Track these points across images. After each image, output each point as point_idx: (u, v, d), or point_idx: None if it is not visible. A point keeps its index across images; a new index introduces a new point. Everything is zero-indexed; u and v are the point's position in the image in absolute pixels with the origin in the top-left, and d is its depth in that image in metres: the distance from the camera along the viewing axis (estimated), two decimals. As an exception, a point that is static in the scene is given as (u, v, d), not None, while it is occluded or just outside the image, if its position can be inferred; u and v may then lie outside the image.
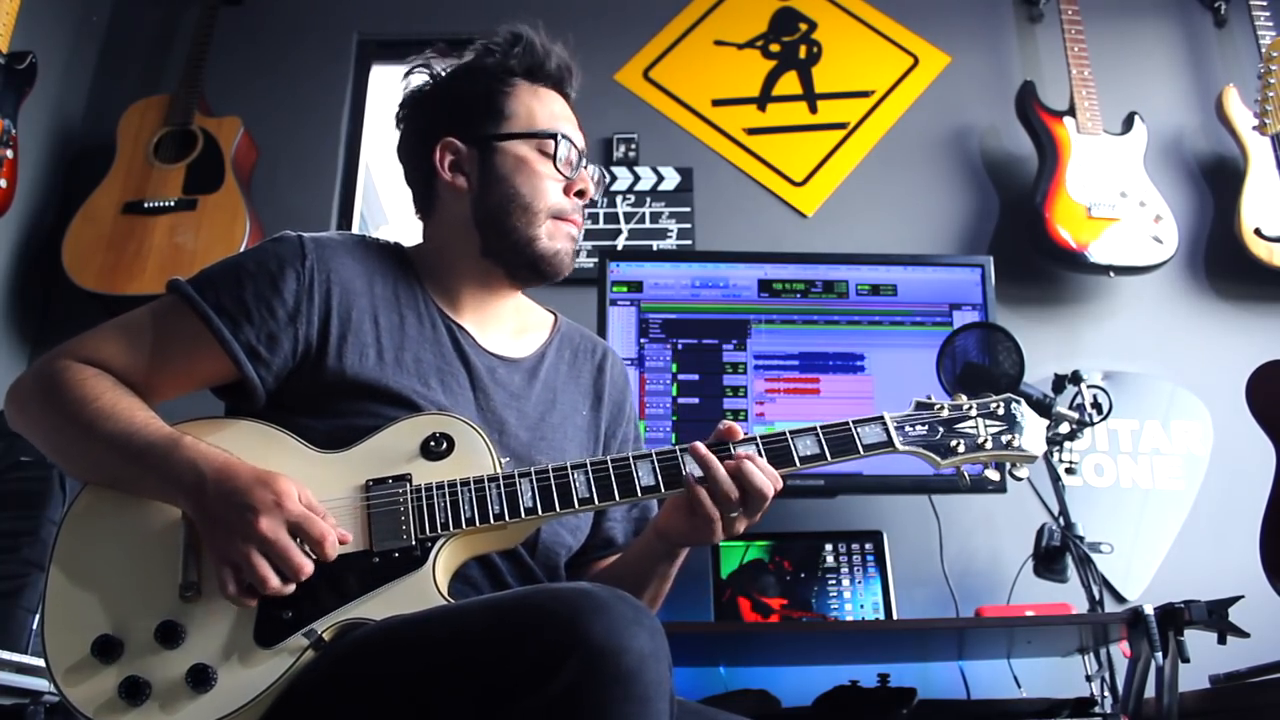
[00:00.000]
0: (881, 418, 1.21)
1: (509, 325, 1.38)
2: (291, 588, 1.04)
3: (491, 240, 1.31)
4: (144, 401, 1.16)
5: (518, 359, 1.35)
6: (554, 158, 1.30)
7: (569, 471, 1.14)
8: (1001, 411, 1.25)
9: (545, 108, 1.33)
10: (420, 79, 1.36)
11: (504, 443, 1.22)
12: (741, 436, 1.18)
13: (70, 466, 1.19)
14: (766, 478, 1.14)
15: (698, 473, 1.14)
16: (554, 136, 1.30)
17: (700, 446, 1.15)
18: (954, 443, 1.21)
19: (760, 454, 1.16)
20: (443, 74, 1.36)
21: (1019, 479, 1.27)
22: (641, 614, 0.89)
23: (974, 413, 1.24)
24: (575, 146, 1.32)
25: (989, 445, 1.22)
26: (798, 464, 1.17)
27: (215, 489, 1.05)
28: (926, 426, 1.22)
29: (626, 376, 1.49)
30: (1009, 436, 1.23)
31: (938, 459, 1.21)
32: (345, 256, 1.26)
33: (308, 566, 1.04)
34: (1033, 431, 1.25)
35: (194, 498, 1.06)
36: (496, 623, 0.92)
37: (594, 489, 1.14)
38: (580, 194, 1.33)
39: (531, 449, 1.27)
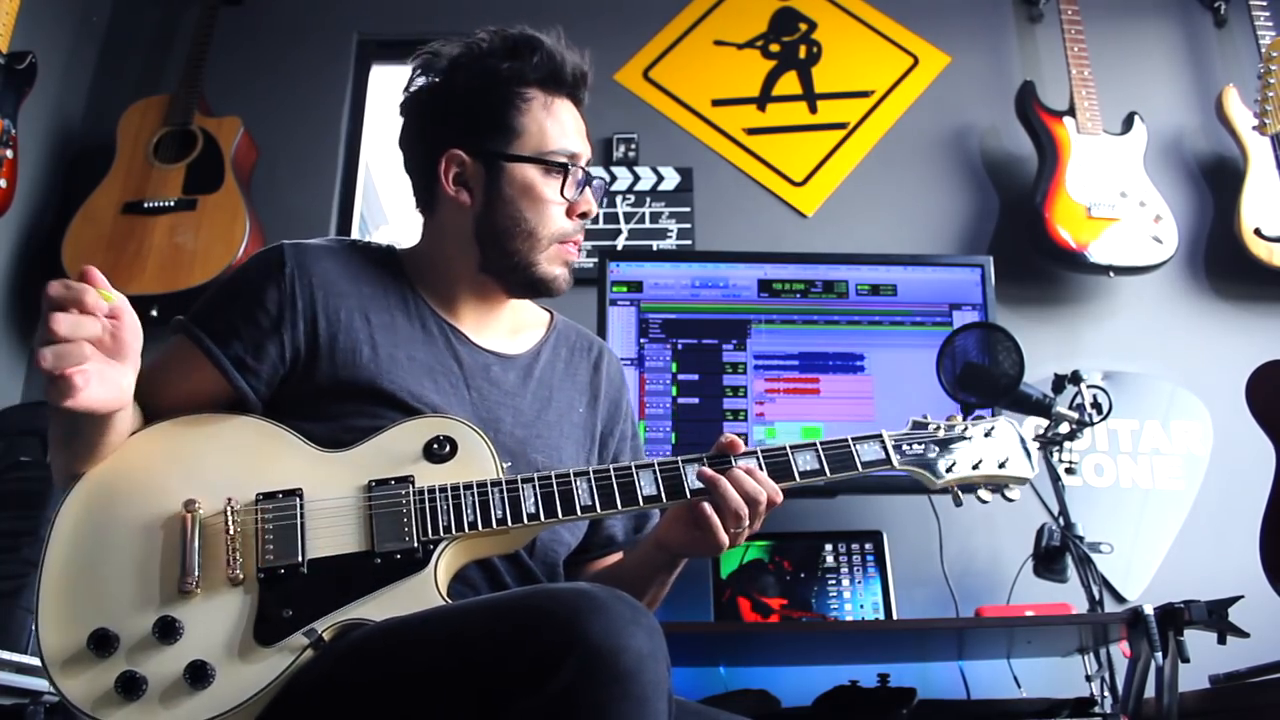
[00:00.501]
0: (880, 435, 1.24)
1: (504, 324, 1.38)
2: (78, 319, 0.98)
3: (491, 258, 1.30)
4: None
5: (513, 356, 1.35)
6: (562, 182, 1.29)
7: (571, 478, 1.15)
8: (996, 434, 1.28)
9: (557, 124, 1.29)
10: (430, 73, 1.32)
11: (499, 440, 1.22)
12: (743, 449, 1.19)
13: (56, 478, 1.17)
14: (767, 491, 1.16)
15: (701, 487, 1.15)
16: (565, 166, 1.29)
17: (708, 470, 1.16)
18: (949, 463, 1.25)
19: (761, 467, 1.19)
20: (453, 68, 1.30)
21: (1010, 500, 1.30)
22: (640, 614, 0.89)
23: (969, 434, 1.28)
24: (583, 169, 1.31)
25: (982, 467, 1.26)
26: (797, 479, 1.21)
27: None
28: (923, 445, 1.26)
29: (623, 374, 1.49)
30: (1002, 459, 1.27)
31: (933, 478, 1.25)
32: (328, 260, 1.26)
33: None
34: (1025, 454, 1.28)
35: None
36: (495, 623, 0.92)
37: (596, 496, 1.14)
38: (583, 215, 1.32)
39: (527, 447, 1.27)
